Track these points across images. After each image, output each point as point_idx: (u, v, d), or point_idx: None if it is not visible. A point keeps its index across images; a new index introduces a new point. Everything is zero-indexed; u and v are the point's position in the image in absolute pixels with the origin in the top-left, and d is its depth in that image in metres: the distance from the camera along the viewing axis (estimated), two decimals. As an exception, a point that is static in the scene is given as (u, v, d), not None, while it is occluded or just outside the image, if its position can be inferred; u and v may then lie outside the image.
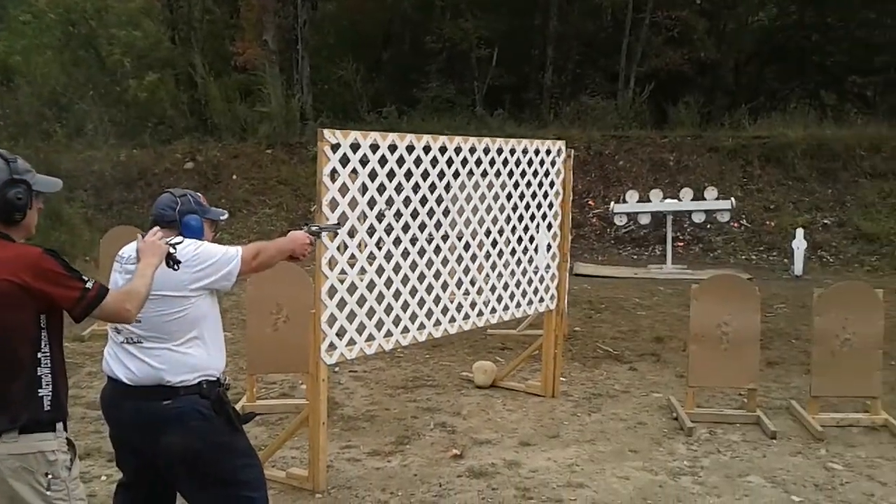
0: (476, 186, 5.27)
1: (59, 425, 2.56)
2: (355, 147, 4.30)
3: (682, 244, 13.50)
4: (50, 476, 2.50)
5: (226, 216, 3.40)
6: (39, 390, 2.50)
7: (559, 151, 6.00)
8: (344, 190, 4.27)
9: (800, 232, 11.86)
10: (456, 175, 5.09)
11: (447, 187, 5.05)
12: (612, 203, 12.91)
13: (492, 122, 16.55)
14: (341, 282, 4.36)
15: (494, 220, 5.48)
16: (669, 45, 18.45)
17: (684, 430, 5.31)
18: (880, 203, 13.45)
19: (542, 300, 5.99)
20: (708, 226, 13.34)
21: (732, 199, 12.57)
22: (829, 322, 5.49)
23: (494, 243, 5.50)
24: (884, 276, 11.52)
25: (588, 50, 19.87)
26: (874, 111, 17.90)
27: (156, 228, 2.98)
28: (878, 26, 19.14)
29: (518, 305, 5.76)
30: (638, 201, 12.43)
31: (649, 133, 15.80)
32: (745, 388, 5.68)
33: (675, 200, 12.39)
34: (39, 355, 2.50)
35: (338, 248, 4.33)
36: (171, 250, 2.85)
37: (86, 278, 2.53)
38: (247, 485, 3.07)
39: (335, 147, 4.19)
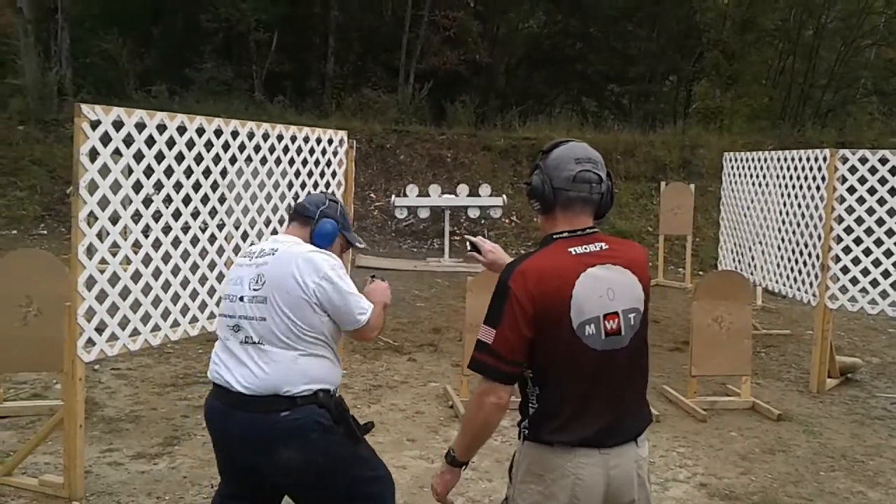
0: (255, 173, 5.06)
1: None
2: (118, 125, 3.95)
3: (458, 238, 13.95)
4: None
5: (363, 245, 3.21)
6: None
7: (342, 141, 5.93)
8: (105, 171, 3.92)
9: (563, 229, 12.70)
10: (233, 160, 4.85)
11: (223, 173, 4.79)
12: (393, 196, 13.07)
13: (272, 109, 16.09)
14: (101, 272, 3.99)
15: (275, 209, 5.30)
16: (447, 44, 18.96)
17: (459, 417, 5.46)
18: (633, 203, 14.75)
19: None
20: (482, 221, 13.92)
21: (504, 196, 13.21)
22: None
23: (275, 233, 5.31)
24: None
25: (370, 43, 19.94)
26: (629, 118, 19.62)
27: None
28: (634, 38, 20.95)
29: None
30: (417, 195, 12.68)
31: (428, 129, 16.16)
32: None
33: (453, 196, 12.80)
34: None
35: (98, 235, 3.95)
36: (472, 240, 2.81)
37: None
38: (373, 498, 2.88)
39: (95, 124, 3.82)
